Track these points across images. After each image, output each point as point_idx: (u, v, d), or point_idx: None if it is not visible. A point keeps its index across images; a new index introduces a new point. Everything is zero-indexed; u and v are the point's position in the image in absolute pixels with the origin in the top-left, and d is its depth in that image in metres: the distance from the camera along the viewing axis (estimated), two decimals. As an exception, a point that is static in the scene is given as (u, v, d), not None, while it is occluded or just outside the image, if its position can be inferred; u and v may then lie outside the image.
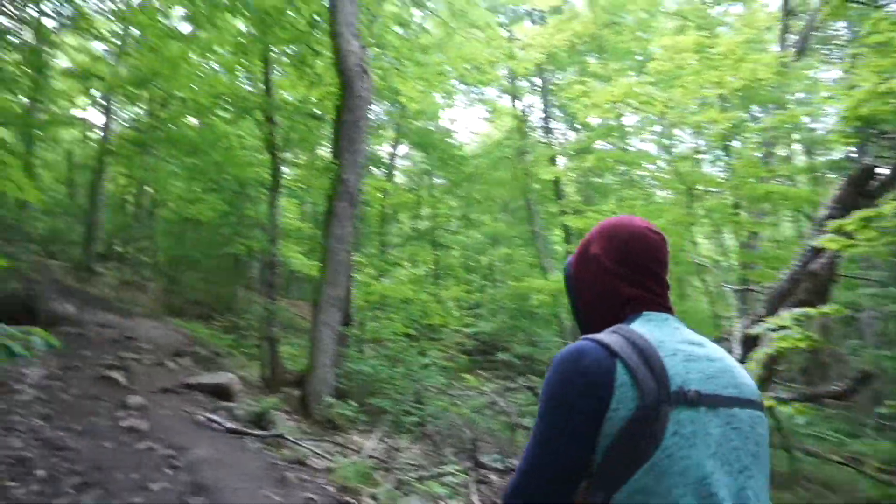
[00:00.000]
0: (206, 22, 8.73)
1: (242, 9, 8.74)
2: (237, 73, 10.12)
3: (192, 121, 13.79)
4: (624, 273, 1.05)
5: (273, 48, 9.73)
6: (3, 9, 17.05)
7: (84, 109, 24.23)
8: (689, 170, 9.99)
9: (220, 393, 7.19)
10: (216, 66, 12.27)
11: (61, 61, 21.20)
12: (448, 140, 21.98)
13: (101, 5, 16.50)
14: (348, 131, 8.18)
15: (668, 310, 1.05)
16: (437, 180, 23.53)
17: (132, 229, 18.78)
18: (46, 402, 5.05)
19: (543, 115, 19.31)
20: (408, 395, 9.70)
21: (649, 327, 0.97)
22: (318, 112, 9.43)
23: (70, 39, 22.40)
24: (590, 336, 0.97)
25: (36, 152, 21.79)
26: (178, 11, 12.12)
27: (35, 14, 17.80)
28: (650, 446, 0.84)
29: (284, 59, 10.27)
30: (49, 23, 19.59)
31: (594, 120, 15.08)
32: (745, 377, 0.99)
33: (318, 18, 9.43)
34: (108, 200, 20.87)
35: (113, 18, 14.75)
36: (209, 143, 11.41)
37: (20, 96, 17.09)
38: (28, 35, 16.31)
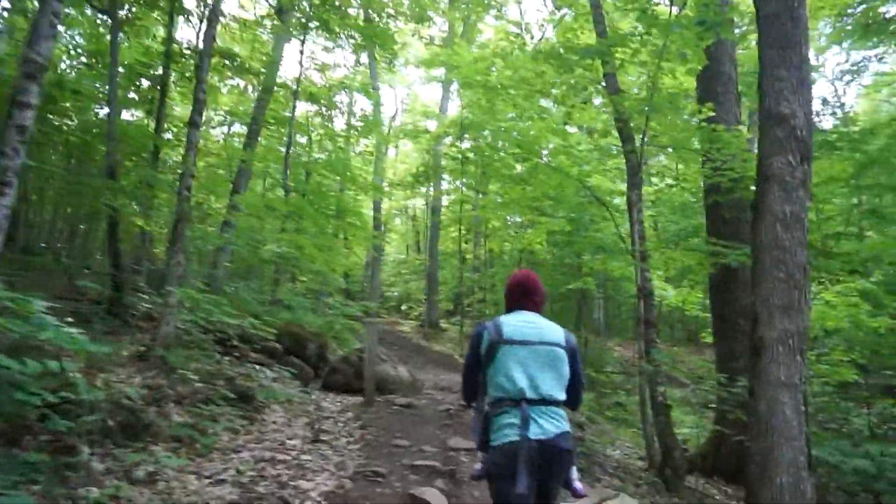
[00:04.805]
0: None
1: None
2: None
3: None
4: (508, 296, 2.57)
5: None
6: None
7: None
8: None
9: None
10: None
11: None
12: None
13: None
14: (775, 31, 4.52)
15: (530, 310, 2.47)
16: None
17: (470, 282, 17.77)
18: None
19: None
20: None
21: (508, 316, 2.43)
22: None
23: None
24: (486, 321, 2.54)
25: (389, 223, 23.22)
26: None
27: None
28: (492, 358, 2.30)
29: None
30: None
31: None
32: (552, 333, 2.36)
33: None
34: (447, 259, 20.72)
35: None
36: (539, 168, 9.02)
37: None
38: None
